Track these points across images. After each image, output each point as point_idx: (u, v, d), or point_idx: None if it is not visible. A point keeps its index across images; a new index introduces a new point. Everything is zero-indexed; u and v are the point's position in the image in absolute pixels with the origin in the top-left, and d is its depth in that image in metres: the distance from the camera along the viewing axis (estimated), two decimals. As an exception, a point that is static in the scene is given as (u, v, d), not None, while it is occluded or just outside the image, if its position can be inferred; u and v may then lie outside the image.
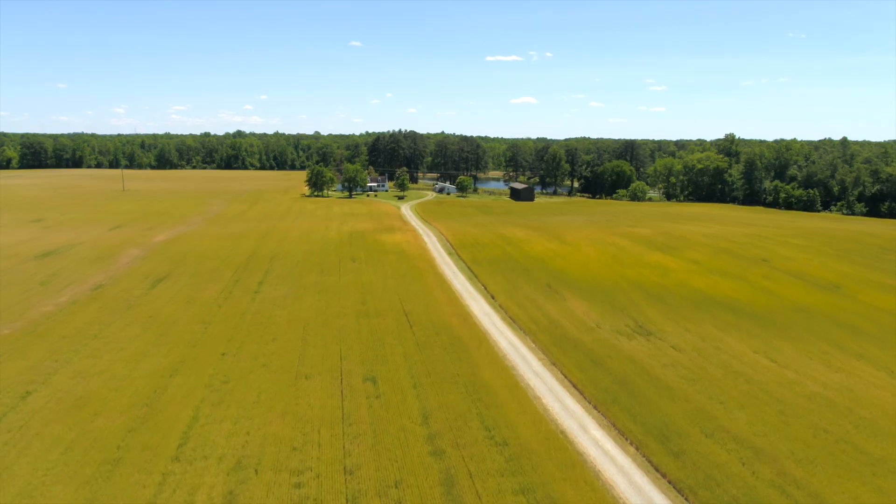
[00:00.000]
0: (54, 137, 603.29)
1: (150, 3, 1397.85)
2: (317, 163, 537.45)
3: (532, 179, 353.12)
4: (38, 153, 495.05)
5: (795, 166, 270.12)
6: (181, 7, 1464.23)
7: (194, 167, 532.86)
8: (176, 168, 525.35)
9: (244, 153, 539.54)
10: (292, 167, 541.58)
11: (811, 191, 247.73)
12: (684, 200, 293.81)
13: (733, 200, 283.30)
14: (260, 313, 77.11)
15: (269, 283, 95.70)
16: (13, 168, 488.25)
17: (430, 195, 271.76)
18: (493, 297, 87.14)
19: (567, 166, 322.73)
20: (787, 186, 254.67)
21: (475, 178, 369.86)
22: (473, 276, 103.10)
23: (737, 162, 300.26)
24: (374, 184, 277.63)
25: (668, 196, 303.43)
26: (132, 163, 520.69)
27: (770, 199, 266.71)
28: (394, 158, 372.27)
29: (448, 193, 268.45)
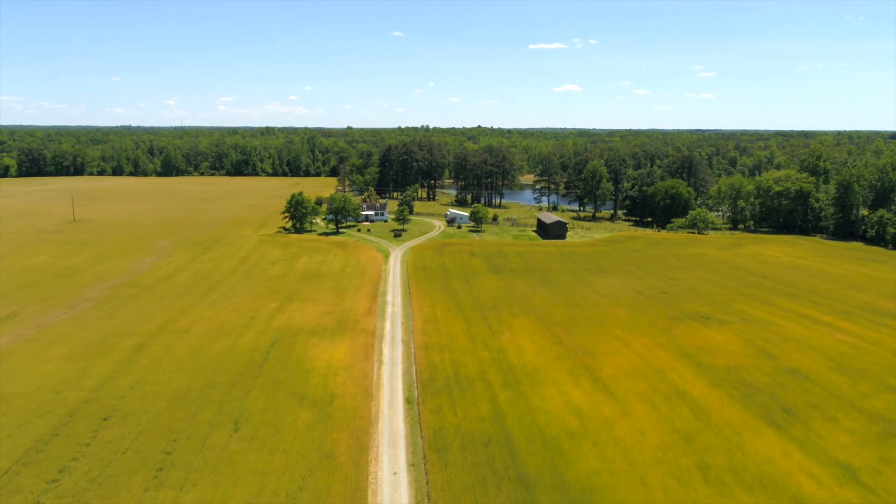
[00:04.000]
0: (56, 141, 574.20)
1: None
2: (332, 168, 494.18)
3: (571, 191, 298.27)
4: (36, 161, 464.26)
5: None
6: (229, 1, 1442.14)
7: (202, 173, 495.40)
8: (183, 174, 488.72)
9: (255, 158, 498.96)
10: (306, 173, 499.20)
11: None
12: (755, 229, 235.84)
13: (820, 232, 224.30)
14: None
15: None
16: (12, 176, 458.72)
17: (439, 227, 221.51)
18: None
19: (610, 185, 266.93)
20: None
21: (501, 195, 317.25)
22: (427, 492, 53.39)
23: (825, 182, 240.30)
24: (371, 212, 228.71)
25: (735, 223, 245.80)
26: (137, 169, 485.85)
27: (871, 232, 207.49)
28: (407, 170, 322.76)
29: (459, 226, 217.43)
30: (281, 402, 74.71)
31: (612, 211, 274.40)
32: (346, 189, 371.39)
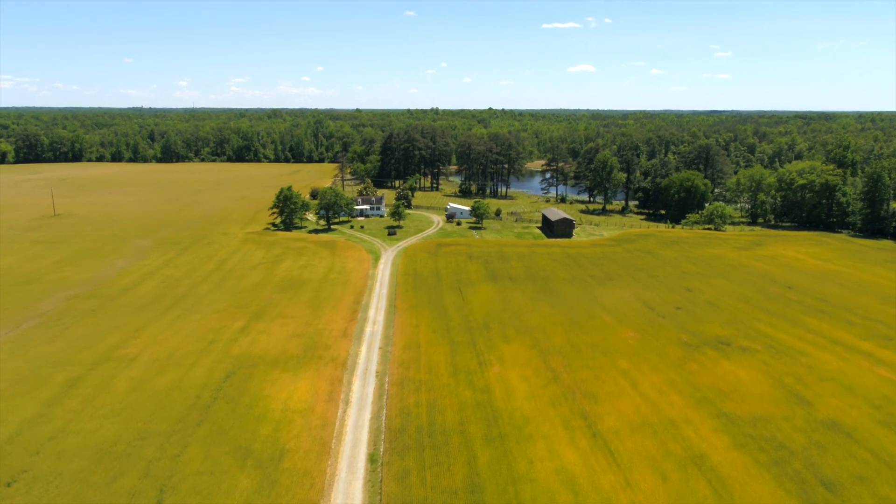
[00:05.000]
0: (59, 125, 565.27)
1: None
2: (336, 154, 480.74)
3: (581, 181, 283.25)
4: (34, 147, 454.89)
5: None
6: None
7: (203, 159, 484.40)
8: (183, 161, 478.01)
9: (257, 144, 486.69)
10: (309, 159, 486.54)
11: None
12: (776, 224, 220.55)
13: (847, 227, 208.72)
14: None
15: None
16: (9, 163, 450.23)
17: (437, 223, 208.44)
18: None
19: (621, 176, 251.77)
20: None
21: (507, 184, 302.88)
22: None
23: (853, 175, 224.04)
24: (367, 206, 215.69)
25: (754, 217, 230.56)
26: (136, 155, 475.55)
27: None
28: (409, 159, 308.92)
29: (459, 223, 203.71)
30: (220, 462, 62.90)
31: (623, 203, 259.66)
32: (347, 178, 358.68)
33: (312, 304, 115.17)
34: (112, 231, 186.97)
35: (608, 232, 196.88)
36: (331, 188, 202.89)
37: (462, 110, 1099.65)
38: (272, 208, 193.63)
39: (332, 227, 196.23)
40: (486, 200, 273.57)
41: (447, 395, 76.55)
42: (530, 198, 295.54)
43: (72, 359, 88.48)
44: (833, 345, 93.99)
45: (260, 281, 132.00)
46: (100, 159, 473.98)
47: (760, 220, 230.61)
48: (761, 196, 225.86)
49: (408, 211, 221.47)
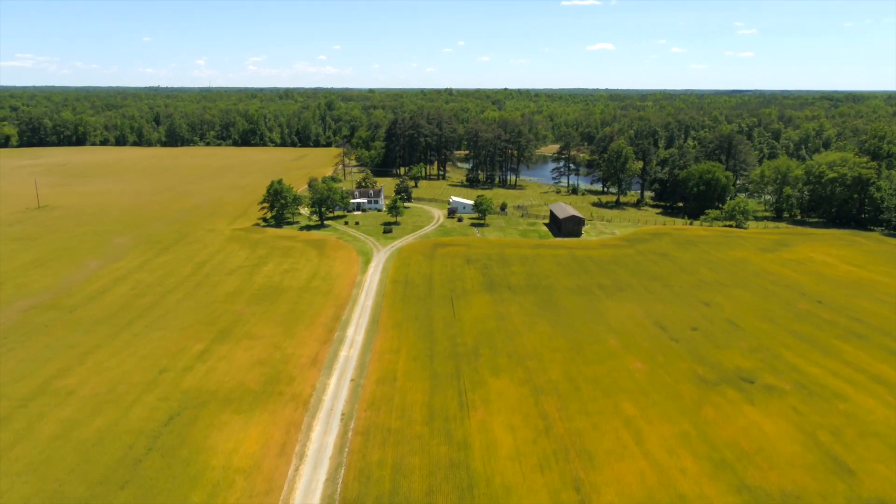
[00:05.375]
0: (69, 106, 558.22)
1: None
2: (344, 138, 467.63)
3: (594, 170, 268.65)
4: (37, 130, 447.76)
5: None
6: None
7: (208, 143, 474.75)
8: (188, 144, 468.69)
9: (263, 128, 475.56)
10: (316, 143, 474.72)
11: None
12: (803, 220, 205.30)
13: (880, 225, 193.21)
14: None
15: None
16: (13, 147, 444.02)
17: (438, 218, 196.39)
18: None
19: (637, 166, 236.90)
20: None
21: (517, 172, 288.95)
22: None
23: (888, 167, 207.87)
24: (364, 199, 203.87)
25: (779, 212, 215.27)
26: (141, 139, 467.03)
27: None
28: (414, 146, 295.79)
29: (460, 219, 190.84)
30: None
31: (638, 195, 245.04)
32: (352, 165, 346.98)
33: (287, 321, 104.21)
34: (94, 227, 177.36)
35: (620, 230, 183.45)
36: (326, 180, 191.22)
37: (477, 90, 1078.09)
38: (262, 203, 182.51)
39: (326, 222, 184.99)
40: (493, 191, 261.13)
41: (418, 452, 65.22)
42: (541, 187, 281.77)
43: (3, 391, 78.42)
44: (874, 383, 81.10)
45: (236, 289, 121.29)
46: (104, 143, 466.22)
47: (786, 214, 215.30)
48: (787, 190, 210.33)
49: (408, 205, 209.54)
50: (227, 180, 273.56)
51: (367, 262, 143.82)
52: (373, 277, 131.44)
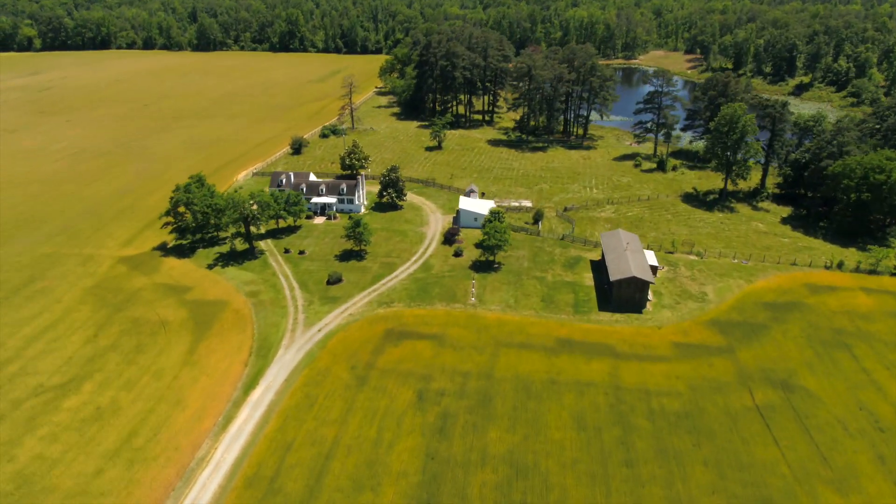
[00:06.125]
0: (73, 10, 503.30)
1: None
2: (395, 44, 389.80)
3: (695, 125, 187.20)
4: (58, 32, 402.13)
5: None
6: None
7: (242, 47, 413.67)
8: (219, 49, 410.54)
9: (304, 29, 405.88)
10: (363, 48, 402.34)
11: None
12: None
13: None
14: None
15: None
16: (35, 50, 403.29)
17: (430, 238, 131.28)
18: None
19: (756, 145, 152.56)
20: None
21: (585, 123, 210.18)
22: None
23: None
24: (331, 198, 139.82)
25: None
26: (170, 41, 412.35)
27: None
28: (448, 80, 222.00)
29: (458, 253, 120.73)
30: None
31: (758, 183, 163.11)
32: (384, 94, 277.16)
33: None
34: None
35: (717, 285, 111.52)
36: (248, 197, 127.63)
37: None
38: (164, 216, 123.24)
39: (261, 246, 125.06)
40: (547, 154, 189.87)
41: None
42: (617, 144, 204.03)
43: None
44: None
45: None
46: (130, 46, 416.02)
47: None
48: None
49: (400, 202, 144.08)
50: (208, 127, 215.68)
51: (256, 376, 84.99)
52: (232, 444, 72.97)
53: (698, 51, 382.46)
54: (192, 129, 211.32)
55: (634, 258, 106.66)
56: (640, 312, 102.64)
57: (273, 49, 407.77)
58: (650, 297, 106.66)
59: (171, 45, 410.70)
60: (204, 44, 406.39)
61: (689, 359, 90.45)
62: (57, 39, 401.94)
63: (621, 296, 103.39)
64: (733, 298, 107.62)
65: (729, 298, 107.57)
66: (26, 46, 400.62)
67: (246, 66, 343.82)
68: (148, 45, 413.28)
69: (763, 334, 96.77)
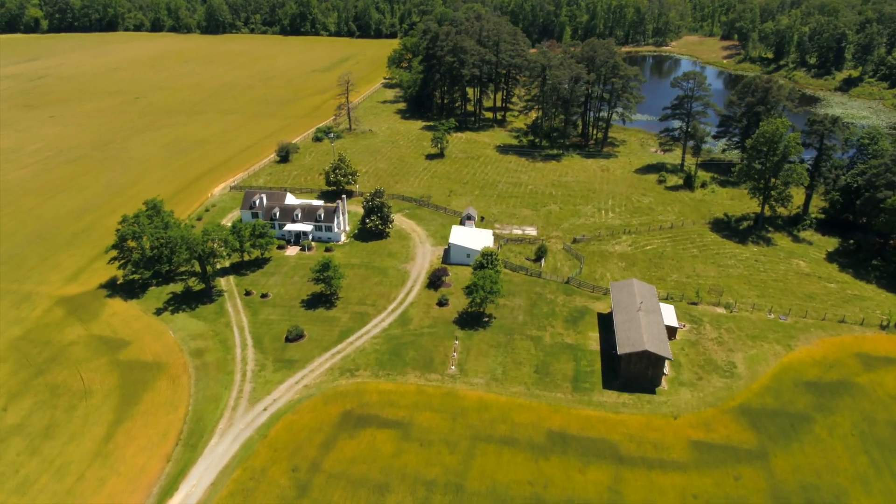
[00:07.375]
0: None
1: None
2: (410, 27, 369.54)
3: (730, 132, 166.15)
4: (64, 12, 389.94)
5: None
6: None
7: (252, 30, 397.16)
8: (228, 31, 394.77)
9: (316, 11, 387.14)
10: (377, 32, 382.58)
11: None
12: None
13: None
14: None
15: None
16: (42, 32, 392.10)
17: (415, 277, 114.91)
18: None
19: (801, 169, 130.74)
20: None
21: (605, 127, 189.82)
22: None
23: None
24: (308, 226, 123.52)
25: None
26: (179, 23, 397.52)
27: None
28: (455, 77, 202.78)
29: (442, 301, 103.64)
30: None
31: (800, 208, 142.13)
32: (390, 88, 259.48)
33: None
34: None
35: (749, 353, 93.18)
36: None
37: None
38: (110, 249, 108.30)
39: (221, 284, 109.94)
40: (561, 163, 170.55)
41: None
42: (642, 153, 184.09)
43: None
44: None
45: None
46: (138, 28, 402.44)
47: None
48: None
49: (386, 229, 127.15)
50: (197, 125, 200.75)
51: (177, 477, 70.29)
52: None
53: (735, 37, 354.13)
54: (180, 128, 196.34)
55: (649, 323, 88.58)
56: (652, 392, 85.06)
57: (283, 32, 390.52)
58: (666, 370, 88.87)
59: (179, 28, 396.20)
60: (213, 26, 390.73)
61: (710, 467, 72.95)
62: (64, 21, 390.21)
63: (631, 371, 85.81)
64: (768, 374, 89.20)
65: (763, 373, 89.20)
66: (33, 28, 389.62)
67: (252, 52, 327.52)
68: (156, 27, 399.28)
69: (804, 430, 78.61)
